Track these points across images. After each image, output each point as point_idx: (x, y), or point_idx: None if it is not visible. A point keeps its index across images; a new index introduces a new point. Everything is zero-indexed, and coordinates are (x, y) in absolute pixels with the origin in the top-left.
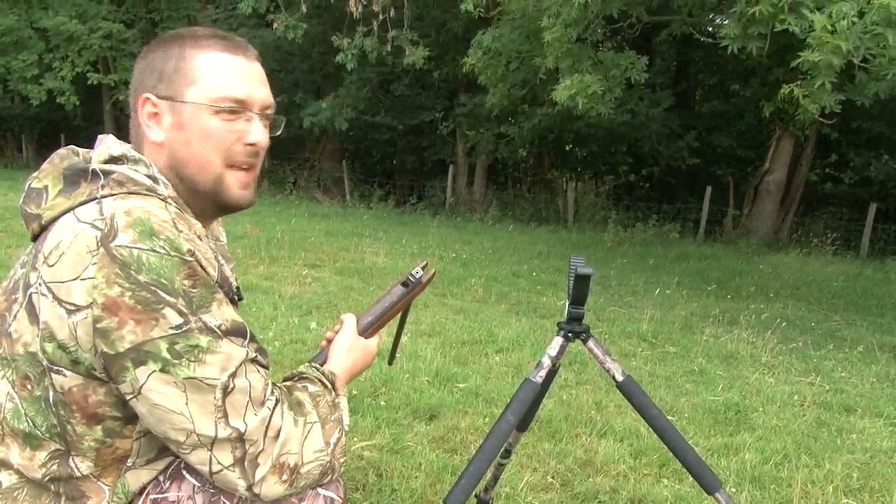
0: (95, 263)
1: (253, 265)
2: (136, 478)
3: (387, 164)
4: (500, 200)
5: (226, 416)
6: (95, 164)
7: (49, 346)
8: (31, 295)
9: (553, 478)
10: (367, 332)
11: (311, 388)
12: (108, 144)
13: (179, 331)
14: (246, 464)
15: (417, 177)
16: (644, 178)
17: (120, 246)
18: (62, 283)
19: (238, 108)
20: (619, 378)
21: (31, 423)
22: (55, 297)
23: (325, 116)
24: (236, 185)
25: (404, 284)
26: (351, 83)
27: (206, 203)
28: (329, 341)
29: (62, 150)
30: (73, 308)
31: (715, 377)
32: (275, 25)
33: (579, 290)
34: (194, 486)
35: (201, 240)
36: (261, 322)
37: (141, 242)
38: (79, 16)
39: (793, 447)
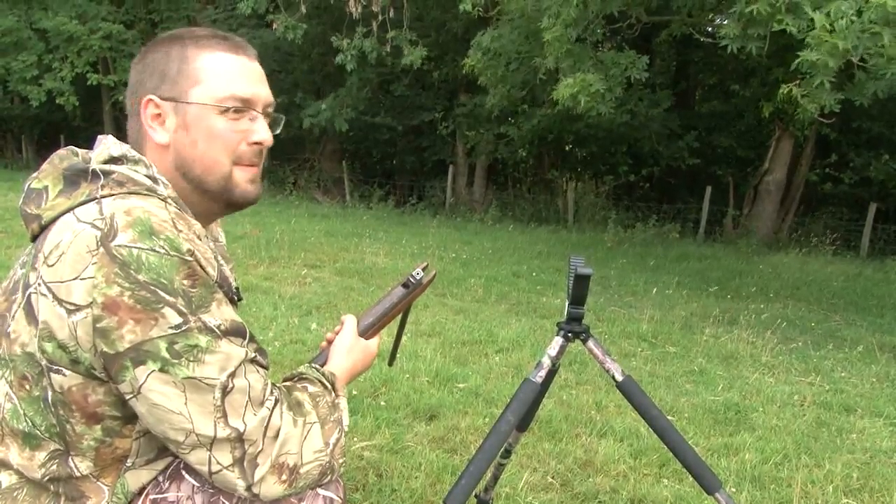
0: (95, 263)
1: (253, 265)
2: (136, 478)
3: (387, 164)
4: (500, 201)
5: (225, 416)
6: (95, 165)
7: (48, 346)
8: (29, 295)
9: (553, 478)
10: (367, 333)
11: (311, 388)
12: (107, 145)
13: (179, 330)
14: (245, 464)
15: (417, 177)
16: (644, 178)
17: (120, 245)
18: (62, 282)
19: (243, 108)
20: (619, 378)
21: (30, 424)
22: (55, 297)
23: (324, 117)
24: (244, 181)
25: (405, 286)
26: (351, 84)
27: (215, 202)
28: (329, 342)
29: (62, 151)
30: (73, 308)
31: (715, 377)
32: (274, 26)
33: (579, 290)
34: (194, 486)
35: (201, 240)
36: (261, 322)
37: (141, 242)
38: (78, 16)
39: (793, 447)
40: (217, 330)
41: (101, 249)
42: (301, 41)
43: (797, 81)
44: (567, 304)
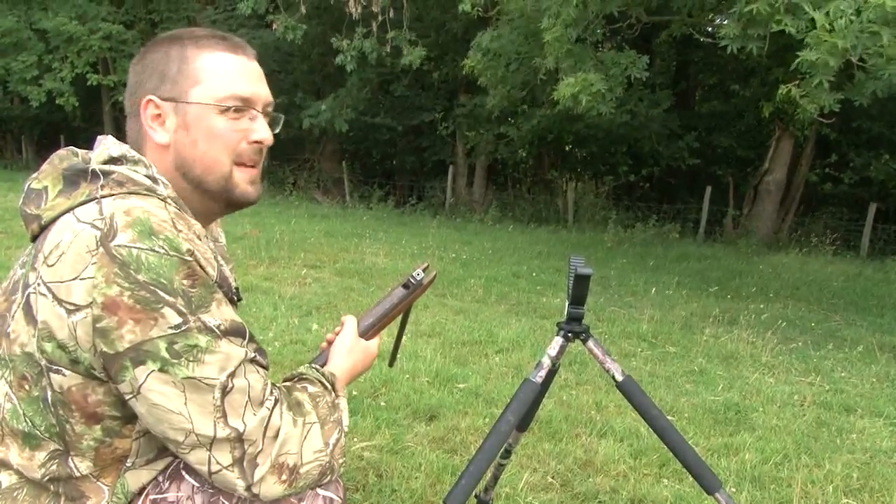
0: (95, 263)
1: (253, 266)
2: (136, 478)
3: (387, 164)
4: (500, 201)
5: (224, 415)
6: (95, 165)
7: (48, 346)
8: (28, 295)
9: (553, 478)
10: (367, 333)
11: (311, 388)
12: (107, 145)
13: (178, 330)
14: (245, 464)
15: (417, 177)
16: (644, 178)
17: (119, 245)
18: (62, 282)
19: (243, 107)
20: (619, 378)
21: (29, 424)
22: (55, 297)
23: (324, 117)
24: (244, 181)
25: (405, 286)
26: (351, 84)
27: (215, 202)
28: (329, 343)
29: (62, 151)
30: (72, 308)
31: (715, 377)
32: (274, 26)
33: (579, 290)
34: (193, 486)
35: (200, 240)
36: (261, 323)
37: (140, 242)
38: (78, 17)
39: (793, 447)
40: (217, 330)
41: (101, 249)
42: (301, 41)
43: (797, 81)
44: (567, 304)
